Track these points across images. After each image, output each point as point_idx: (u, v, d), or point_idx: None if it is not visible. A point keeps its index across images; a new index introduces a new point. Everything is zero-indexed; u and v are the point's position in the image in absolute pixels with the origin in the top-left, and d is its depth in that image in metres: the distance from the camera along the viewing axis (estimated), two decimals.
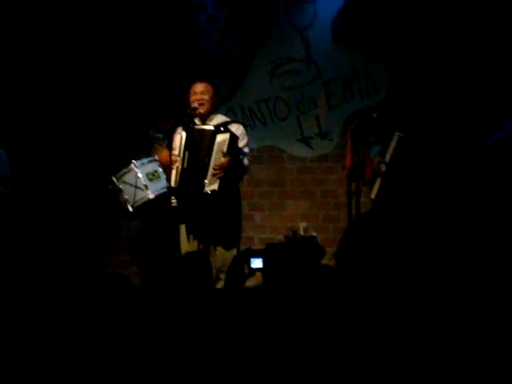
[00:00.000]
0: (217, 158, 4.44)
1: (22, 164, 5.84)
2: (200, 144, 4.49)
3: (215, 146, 4.44)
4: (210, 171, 4.44)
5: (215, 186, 4.42)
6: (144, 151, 4.79)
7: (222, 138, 4.46)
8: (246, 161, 4.64)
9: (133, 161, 4.68)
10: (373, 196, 4.72)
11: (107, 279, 2.78)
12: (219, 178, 4.43)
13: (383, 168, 4.67)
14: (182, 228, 4.64)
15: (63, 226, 6.11)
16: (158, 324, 2.44)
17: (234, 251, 4.60)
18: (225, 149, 4.44)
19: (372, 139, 4.86)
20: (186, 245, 4.61)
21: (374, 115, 4.91)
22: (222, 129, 4.49)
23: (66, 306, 2.60)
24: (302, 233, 5.78)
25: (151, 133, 5.41)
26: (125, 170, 4.68)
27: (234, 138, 4.49)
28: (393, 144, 4.68)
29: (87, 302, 2.55)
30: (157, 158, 4.72)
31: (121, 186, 4.61)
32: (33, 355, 2.31)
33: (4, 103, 6.12)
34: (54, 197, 6.20)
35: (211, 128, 4.51)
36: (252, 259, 2.60)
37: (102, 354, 2.26)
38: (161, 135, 5.21)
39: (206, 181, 4.42)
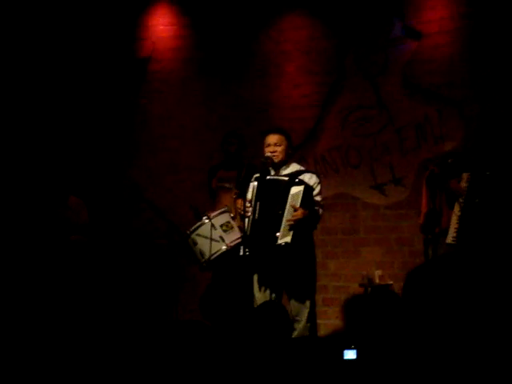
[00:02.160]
0: (290, 210, 4.41)
1: (98, 213, 6.03)
2: (273, 195, 4.48)
3: (289, 199, 4.42)
4: (284, 223, 4.40)
5: (288, 239, 4.38)
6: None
7: (296, 190, 4.44)
8: (320, 210, 4.61)
9: (206, 213, 4.77)
10: (449, 240, 4.51)
11: (188, 327, 2.80)
12: (293, 230, 4.40)
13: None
14: (255, 277, 4.62)
15: (139, 276, 6.23)
16: (235, 373, 2.43)
17: (308, 303, 4.54)
18: (299, 201, 4.41)
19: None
20: (259, 293, 4.58)
21: (449, 161, 4.83)
22: (296, 180, 4.47)
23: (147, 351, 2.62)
24: (377, 281, 5.67)
25: (214, 182, 5.52)
26: (199, 223, 4.78)
27: (308, 190, 4.46)
28: (463, 183, 4.50)
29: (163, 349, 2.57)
30: (226, 208, 4.78)
31: (196, 240, 4.71)
32: None
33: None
34: (133, 248, 6.36)
35: (285, 179, 4.51)
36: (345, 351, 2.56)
37: None
38: (228, 184, 5.30)
39: (278, 234, 4.39)
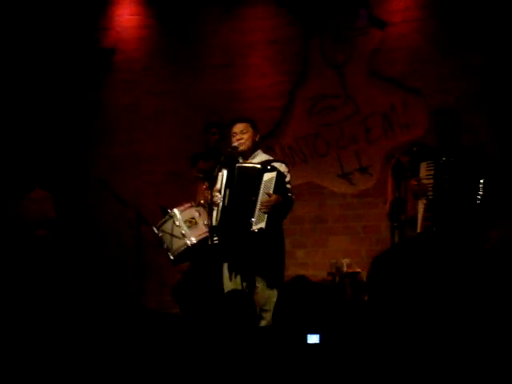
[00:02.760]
0: (264, 196, 4.43)
1: (64, 206, 5.97)
2: (245, 182, 4.49)
3: (262, 185, 4.44)
4: (257, 210, 4.42)
5: (262, 225, 4.41)
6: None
7: (269, 176, 4.47)
8: (292, 197, 4.63)
9: (169, 210, 4.78)
10: (419, 229, 4.52)
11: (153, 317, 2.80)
12: (267, 215, 4.41)
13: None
14: (224, 266, 4.62)
15: (106, 268, 6.19)
16: (199, 361, 2.43)
17: (276, 292, 4.55)
18: (272, 187, 4.44)
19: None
20: (229, 283, 4.58)
21: (414, 149, 4.86)
22: (268, 167, 4.50)
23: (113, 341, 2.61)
24: (345, 269, 5.72)
25: (194, 173, 5.51)
26: (163, 220, 4.81)
27: (280, 176, 4.49)
28: (423, 172, 4.52)
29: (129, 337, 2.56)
30: (193, 203, 4.80)
31: (161, 235, 4.74)
32: None
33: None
34: (96, 236, 6.32)
35: (258, 166, 4.53)
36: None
37: None
38: (202, 175, 5.30)
39: (253, 219, 4.41)
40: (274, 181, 4.45)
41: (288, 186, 4.62)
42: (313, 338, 2.41)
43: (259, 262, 4.50)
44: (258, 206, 4.42)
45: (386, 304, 1.76)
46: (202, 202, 4.69)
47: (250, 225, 4.41)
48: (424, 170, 4.50)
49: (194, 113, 6.30)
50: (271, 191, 4.43)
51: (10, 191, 5.49)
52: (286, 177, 4.57)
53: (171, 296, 5.96)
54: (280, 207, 4.48)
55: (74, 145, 6.59)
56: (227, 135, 5.01)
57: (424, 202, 4.45)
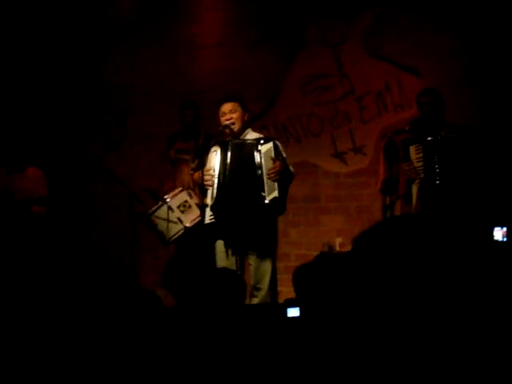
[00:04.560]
0: (268, 165, 4.44)
1: (58, 185, 5.95)
2: (242, 158, 4.48)
3: (262, 157, 4.45)
4: (266, 181, 4.42)
5: (275, 194, 4.42)
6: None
7: (267, 147, 4.48)
8: (291, 168, 4.64)
9: (162, 196, 4.81)
10: (414, 212, 4.54)
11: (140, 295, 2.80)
12: (276, 183, 4.42)
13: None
14: (220, 244, 4.61)
15: (98, 246, 6.21)
16: (185, 339, 2.44)
17: (269, 270, 4.56)
18: (272, 155, 4.46)
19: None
20: (224, 261, 4.57)
21: (406, 128, 4.86)
22: (262, 141, 4.52)
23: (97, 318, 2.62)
24: (338, 248, 5.73)
25: (172, 153, 5.50)
26: (156, 207, 4.84)
27: (277, 146, 4.53)
28: (413, 155, 4.54)
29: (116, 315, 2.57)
30: (184, 185, 4.84)
31: (156, 221, 4.80)
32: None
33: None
34: (90, 215, 6.33)
35: (252, 141, 4.55)
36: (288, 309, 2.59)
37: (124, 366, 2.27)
38: (187, 156, 5.29)
39: (264, 193, 4.40)
40: (272, 150, 4.47)
41: (287, 160, 4.64)
42: (292, 312, 2.43)
43: (255, 239, 4.51)
44: (265, 177, 4.41)
45: (365, 284, 1.75)
46: (190, 184, 4.71)
47: (262, 198, 4.39)
48: (414, 153, 4.51)
49: (187, 92, 6.26)
50: (273, 157, 4.45)
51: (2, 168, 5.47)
52: (280, 146, 4.60)
53: (163, 275, 5.99)
54: (285, 175, 4.48)
55: (71, 123, 6.57)
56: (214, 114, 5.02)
57: (418, 185, 4.47)
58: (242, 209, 4.44)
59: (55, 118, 6.54)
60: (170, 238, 4.83)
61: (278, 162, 4.44)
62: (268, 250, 4.60)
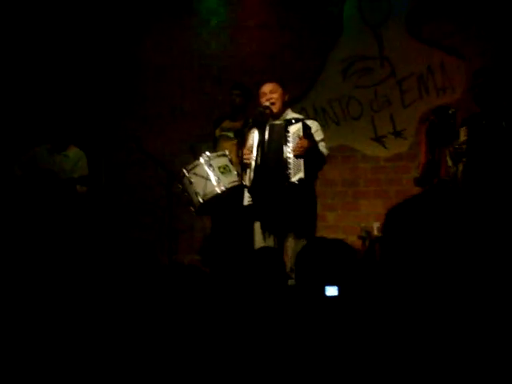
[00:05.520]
0: (295, 145, 4.42)
1: (98, 165, 6.02)
2: (274, 139, 4.49)
3: (290, 136, 4.44)
4: (292, 162, 4.40)
5: (301, 174, 4.39)
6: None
7: (295, 127, 4.47)
8: (324, 150, 4.60)
9: (204, 153, 4.72)
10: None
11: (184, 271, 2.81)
12: (303, 165, 4.38)
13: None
14: (257, 226, 4.61)
15: (136, 226, 6.26)
16: (226, 318, 2.45)
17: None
18: (301, 134, 4.44)
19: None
20: (262, 243, 4.58)
21: (450, 112, 4.77)
22: (293, 121, 4.50)
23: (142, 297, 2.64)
24: (375, 233, 5.68)
25: (218, 132, 5.49)
26: (196, 163, 4.72)
27: (306, 127, 4.49)
28: (462, 137, 4.47)
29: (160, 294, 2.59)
30: (226, 152, 4.76)
31: (192, 179, 4.65)
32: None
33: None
34: (128, 196, 6.38)
35: (282, 122, 4.54)
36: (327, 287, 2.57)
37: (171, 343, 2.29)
38: (230, 134, 5.27)
39: (290, 171, 4.39)
40: (301, 130, 4.45)
41: (322, 143, 4.60)
42: (331, 291, 2.40)
43: (293, 220, 4.50)
44: (292, 158, 4.40)
45: (399, 260, 1.72)
46: (239, 159, 4.63)
47: (288, 177, 4.39)
48: (463, 135, 4.44)
49: (228, 73, 6.26)
50: (301, 136, 4.43)
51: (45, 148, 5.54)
52: (314, 131, 4.55)
53: (201, 255, 6.02)
54: (313, 156, 4.45)
55: (110, 103, 6.61)
56: (255, 95, 5.01)
57: (461, 167, 4.40)
58: (274, 190, 4.44)
59: (96, 99, 6.59)
60: (205, 195, 4.64)
61: (304, 141, 4.40)
62: (306, 232, 4.59)
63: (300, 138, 4.43)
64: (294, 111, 4.83)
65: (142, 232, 6.30)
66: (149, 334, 2.38)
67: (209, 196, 4.62)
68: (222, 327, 2.47)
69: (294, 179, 4.39)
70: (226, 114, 5.64)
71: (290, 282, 4.47)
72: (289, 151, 4.42)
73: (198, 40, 6.47)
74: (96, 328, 2.46)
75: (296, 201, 4.44)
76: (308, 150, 4.41)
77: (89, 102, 6.49)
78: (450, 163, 4.56)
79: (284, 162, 4.40)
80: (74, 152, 5.60)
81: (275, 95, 4.59)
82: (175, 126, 6.48)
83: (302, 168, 4.39)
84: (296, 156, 4.40)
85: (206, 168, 4.64)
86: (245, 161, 4.52)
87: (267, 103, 4.57)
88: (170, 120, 6.50)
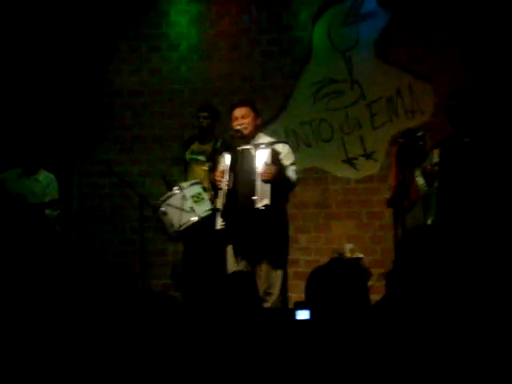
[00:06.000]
0: (262, 171, 4.44)
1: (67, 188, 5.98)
2: (243, 163, 4.53)
3: (258, 162, 4.47)
4: (258, 187, 4.43)
5: (267, 201, 4.41)
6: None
7: (262, 152, 4.50)
8: (293, 175, 4.62)
9: (177, 184, 4.78)
10: (429, 221, 4.49)
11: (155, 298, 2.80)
12: (269, 190, 4.40)
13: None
14: (229, 249, 4.63)
15: (109, 251, 6.21)
16: (197, 340, 2.44)
17: (280, 276, 4.57)
18: (269, 160, 4.46)
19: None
20: (234, 266, 4.59)
21: (419, 134, 4.85)
22: (262, 146, 4.54)
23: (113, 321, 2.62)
24: (348, 254, 5.71)
25: (188, 155, 5.51)
26: (170, 193, 4.79)
27: (274, 153, 4.51)
28: (435, 159, 4.53)
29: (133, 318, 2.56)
30: (198, 180, 4.80)
31: (166, 210, 4.72)
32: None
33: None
34: (100, 220, 6.34)
35: (250, 146, 4.57)
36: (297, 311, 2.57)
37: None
38: (201, 157, 5.30)
39: (255, 197, 4.41)
40: (269, 155, 4.47)
41: (292, 167, 4.63)
42: (302, 315, 2.41)
43: (264, 245, 4.51)
44: (258, 183, 4.43)
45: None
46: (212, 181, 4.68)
47: (254, 203, 4.40)
48: (436, 157, 4.51)
49: (198, 94, 6.28)
50: (268, 163, 4.44)
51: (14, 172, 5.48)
52: (284, 155, 4.58)
53: (173, 280, 5.99)
54: (281, 182, 4.47)
55: (80, 127, 6.58)
56: (226, 116, 5.03)
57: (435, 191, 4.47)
58: (244, 215, 4.46)
59: (66, 123, 6.55)
60: (181, 226, 4.74)
61: (271, 166, 4.42)
62: (279, 255, 4.60)
63: (267, 164, 4.44)
64: (267, 133, 4.87)
65: (115, 256, 6.25)
66: (116, 360, 2.36)
67: (184, 227, 4.76)
68: (192, 352, 2.45)
69: (260, 205, 4.41)
70: (196, 135, 5.66)
71: (265, 305, 4.49)
72: (255, 176, 4.44)
73: (167, 64, 6.49)
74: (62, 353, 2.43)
75: (266, 225, 4.45)
76: (275, 176, 4.44)
77: (59, 126, 6.46)
78: (421, 182, 4.63)
79: (251, 188, 4.43)
80: (44, 176, 5.56)
81: (247, 120, 4.62)
82: (146, 149, 6.47)
83: (269, 194, 4.41)
84: (264, 181, 4.43)
85: (180, 198, 4.71)
86: (218, 184, 4.54)
87: (239, 127, 4.60)
88: (142, 143, 6.49)
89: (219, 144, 4.76)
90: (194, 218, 4.71)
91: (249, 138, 4.65)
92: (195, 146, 5.54)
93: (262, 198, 4.42)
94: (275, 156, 4.51)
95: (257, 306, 3.02)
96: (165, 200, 4.82)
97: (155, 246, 6.06)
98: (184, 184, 4.84)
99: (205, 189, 4.89)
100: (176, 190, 4.81)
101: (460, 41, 5.74)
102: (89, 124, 6.54)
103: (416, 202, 4.67)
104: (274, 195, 4.42)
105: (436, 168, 4.49)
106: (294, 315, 2.55)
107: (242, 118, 4.62)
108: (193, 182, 4.91)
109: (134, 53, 6.55)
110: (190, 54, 6.46)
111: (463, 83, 5.56)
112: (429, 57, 5.81)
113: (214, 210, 4.59)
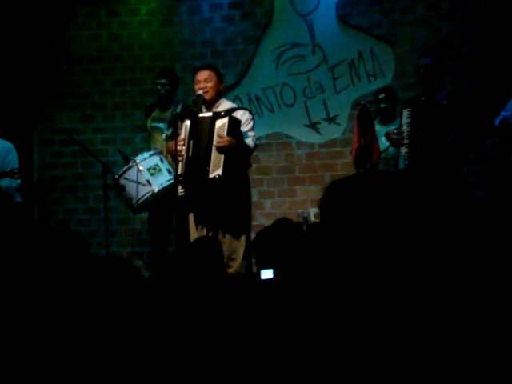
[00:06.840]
0: (217, 140, 4.43)
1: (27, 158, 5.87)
2: (202, 132, 4.51)
3: (215, 132, 4.44)
4: (213, 156, 4.42)
5: (219, 172, 4.41)
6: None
7: (221, 122, 4.46)
8: (251, 142, 4.60)
9: (132, 157, 4.77)
10: None
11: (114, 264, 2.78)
12: (223, 161, 4.40)
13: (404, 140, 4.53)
14: (191, 217, 4.64)
15: (73, 220, 6.15)
16: (166, 312, 2.43)
17: (243, 241, 4.59)
18: (225, 131, 4.43)
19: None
20: (195, 233, 4.60)
21: (381, 97, 4.87)
22: (221, 114, 4.49)
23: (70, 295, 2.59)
24: (312, 218, 5.75)
25: (149, 122, 5.45)
26: (126, 168, 4.78)
27: (233, 122, 4.48)
28: (405, 119, 4.57)
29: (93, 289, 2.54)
30: (157, 150, 4.78)
31: (123, 184, 4.72)
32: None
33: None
34: (60, 189, 6.27)
35: (210, 115, 4.53)
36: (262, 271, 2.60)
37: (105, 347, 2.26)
38: (162, 125, 5.24)
39: (208, 167, 4.41)
40: (226, 125, 4.43)
41: (251, 133, 4.61)
42: (266, 274, 2.43)
43: (224, 211, 4.52)
44: (213, 153, 4.41)
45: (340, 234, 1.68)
46: (163, 152, 4.69)
47: (207, 173, 4.40)
48: (406, 117, 4.55)
49: (159, 60, 6.20)
50: (224, 135, 4.41)
51: None
52: (243, 122, 4.55)
53: (138, 247, 5.97)
54: (237, 152, 4.46)
55: (38, 95, 6.44)
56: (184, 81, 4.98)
57: (405, 150, 4.52)
58: (201, 183, 4.47)
59: (24, 90, 6.40)
60: (138, 200, 4.75)
61: (225, 139, 4.39)
62: (241, 221, 4.63)
63: (221, 136, 4.41)
64: (229, 99, 4.84)
65: (79, 226, 6.19)
66: (79, 328, 2.34)
67: (141, 200, 4.75)
68: (158, 319, 2.45)
69: (212, 175, 4.41)
70: (157, 103, 5.58)
71: (229, 270, 4.51)
72: (210, 146, 4.43)
73: (127, 29, 6.36)
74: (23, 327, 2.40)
75: (223, 194, 4.46)
76: (230, 147, 4.41)
77: (17, 94, 6.31)
78: (385, 144, 4.68)
79: (206, 158, 4.44)
80: (2, 144, 5.44)
81: (210, 84, 4.58)
82: (108, 117, 6.38)
83: (221, 164, 4.40)
84: (218, 151, 4.41)
85: (136, 172, 4.70)
86: (178, 152, 4.50)
87: (201, 92, 4.56)
88: (103, 111, 6.39)
89: (179, 108, 4.72)
90: (150, 191, 4.71)
91: (211, 104, 4.61)
92: (156, 114, 5.46)
93: (215, 169, 4.41)
94: (234, 125, 4.48)
95: (220, 272, 3.03)
96: (121, 174, 4.81)
97: (119, 215, 6.01)
98: (139, 157, 4.82)
99: (162, 159, 4.87)
100: (132, 163, 4.79)
101: (419, 3, 5.74)
102: (48, 92, 6.40)
103: (378, 164, 4.72)
104: (228, 165, 4.41)
105: (405, 128, 4.53)
106: (258, 278, 2.57)
107: (204, 81, 4.58)
108: (151, 152, 4.88)
109: (93, 18, 6.40)
110: (150, 18, 6.35)
111: (423, 46, 5.58)
112: (389, 19, 5.81)
113: (175, 177, 4.58)
